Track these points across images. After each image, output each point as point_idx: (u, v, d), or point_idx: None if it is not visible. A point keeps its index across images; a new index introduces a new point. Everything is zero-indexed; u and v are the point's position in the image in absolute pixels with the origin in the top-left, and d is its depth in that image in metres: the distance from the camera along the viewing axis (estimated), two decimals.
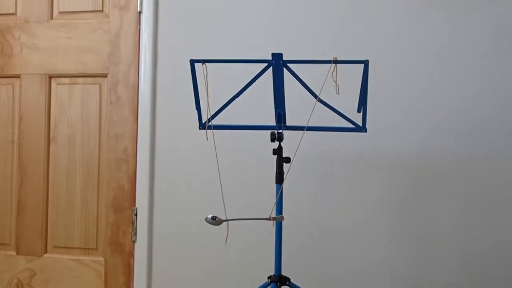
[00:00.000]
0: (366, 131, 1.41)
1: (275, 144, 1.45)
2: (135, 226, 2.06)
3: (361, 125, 1.40)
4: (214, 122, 1.44)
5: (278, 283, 1.45)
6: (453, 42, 1.81)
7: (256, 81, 1.39)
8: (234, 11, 1.99)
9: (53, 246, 2.15)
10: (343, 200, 1.88)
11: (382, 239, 1.85)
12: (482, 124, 1.79)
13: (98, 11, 2.13)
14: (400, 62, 1.85)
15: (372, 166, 1.86)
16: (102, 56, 2.12)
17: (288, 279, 1.48)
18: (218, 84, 1.87)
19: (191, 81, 1.42)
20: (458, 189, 1.80)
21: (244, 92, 1.42)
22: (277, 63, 1.34)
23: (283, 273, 1.48)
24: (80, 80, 2.14)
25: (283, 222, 1.43)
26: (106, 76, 2.12)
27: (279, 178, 1.43)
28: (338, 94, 1.34)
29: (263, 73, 1.37)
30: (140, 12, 2.07)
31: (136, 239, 2.07)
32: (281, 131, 1.43)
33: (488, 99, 1.79)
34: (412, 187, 1.84)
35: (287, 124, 1.46)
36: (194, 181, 2.01)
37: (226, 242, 1.42)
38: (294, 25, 1.92)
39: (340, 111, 1.39)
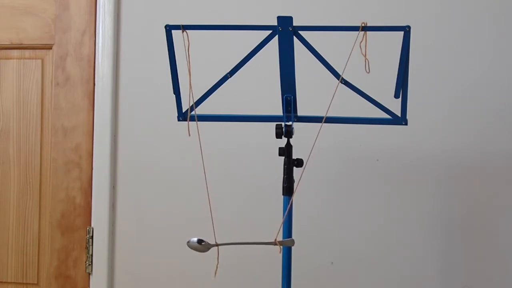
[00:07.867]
0: (406, 124, 1.41)
1: (282, 141, 1.45)
2: (90, 253, 2.07)
3: (399, 115, 1.40)
4: (198, 111, 1.45)
5: None
6: None
7: (256, 55, 1.39)
8: None
9: None
10: (375, 217, 1.89)
11: (431, 268, 1.86)
12: None
13: None
14: (446, 34, 1.86)
15: (416, 171, 1.87)
16: (45, 20, 2.12)
17: None
18: (204, 59, 1.87)
19: (167, 54, 1.42)
20: None
21: (239, 70, 1.41)
22: (285, 30, 1.34)
23: None
24: (15, 53, 2.14)
25: (292, 247, 1.43)
26: (50, 48, 2.12)
27: (288, 188, 1.43)
28: (368, 73, 1.34)
29: (265, 43, 1.37)
30: None
31: (92, 270, 2.07)
32: (290, 123, 1.43)
33: None
34: (475, 199, 1.85)
35: (299, 114, 1.46)
36: (171, 191, 2.02)
37: (215, 275, 1.43)
38: None
39: (371, 96, 1.39)
